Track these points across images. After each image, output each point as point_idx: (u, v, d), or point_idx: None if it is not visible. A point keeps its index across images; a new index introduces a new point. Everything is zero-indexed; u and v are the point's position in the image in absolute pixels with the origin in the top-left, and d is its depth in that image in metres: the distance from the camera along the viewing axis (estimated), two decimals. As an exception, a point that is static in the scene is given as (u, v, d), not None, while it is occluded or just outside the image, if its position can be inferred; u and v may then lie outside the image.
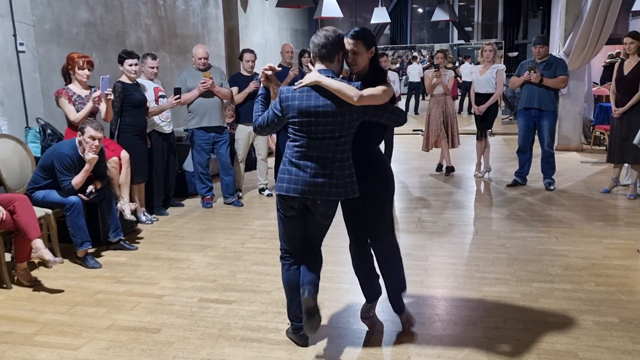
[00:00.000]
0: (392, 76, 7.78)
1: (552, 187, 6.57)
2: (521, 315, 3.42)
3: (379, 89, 2.84)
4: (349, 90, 2.75)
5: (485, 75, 6.96)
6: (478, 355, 2.97)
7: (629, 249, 4.51)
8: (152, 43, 7.79)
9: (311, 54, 2.93)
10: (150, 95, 5.67)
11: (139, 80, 5.62)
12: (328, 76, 2.80)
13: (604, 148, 8.88)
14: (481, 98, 7.03)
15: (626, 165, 6.26)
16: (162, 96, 5.84)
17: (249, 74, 6.39)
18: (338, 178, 2.87)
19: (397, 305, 3.31)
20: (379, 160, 3.12)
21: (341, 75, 2.97)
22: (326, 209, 2.96)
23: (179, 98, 5.73)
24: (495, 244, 4.75)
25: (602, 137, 9.09)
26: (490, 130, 7.40)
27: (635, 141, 4.34)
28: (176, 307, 3.66)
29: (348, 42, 2.89)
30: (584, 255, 4.42)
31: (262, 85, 3.12)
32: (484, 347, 3.05)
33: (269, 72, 3.08)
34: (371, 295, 3.44)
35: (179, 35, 8.56)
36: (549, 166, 6.64)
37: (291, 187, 2.88)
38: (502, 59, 14.18)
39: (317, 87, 2.81)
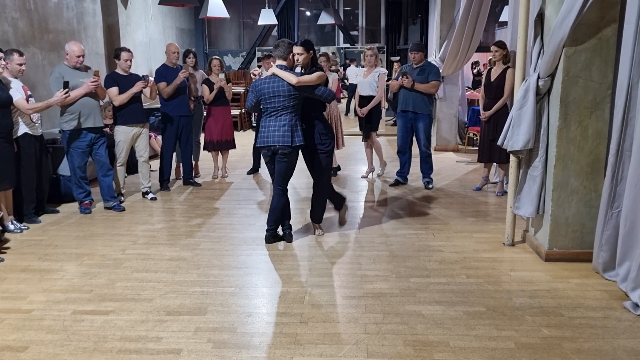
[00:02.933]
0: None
1: (430, 186, 6.94)
2: (399, 309, 3.57)
3: (312, 75, 4.57)
4: (290, 77, 4.51)
5: (367, 78, 7.20)
6: (358, 352, 3.06)
7: (496, 242, 4.87)
8: (20, 38, 7.23)
9: (274, 55, 4.69)
10: (19, 93, 5.26)
11: (3, 77, 5.18)
12: (282, 69, 4.57)
13: (477, 148, 9.53)
14: (364, 100, 7.27)
15: (495, 164, 6.76)
16: (30, 96, 5.43)
17: (125, 74, 6.13)
18: (284, 131, 4.54)
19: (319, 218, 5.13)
20: (325, 124, 4.87)
21: (302, 69, 4.69)
22: (282, 152, 4.58)
23: (68, 93, 5.37)
24: (377, 242, 4.93)
25: (475, 138, 9.74)
26: (375, 132, 7.65)
27: (499, 142, 4.69)
28: (46, 322, 3.42)
29: (295, 48, 4.63)
30: (457, 249, 4.71)
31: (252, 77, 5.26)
32: (364, 343, 3.15)
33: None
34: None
35: (52, 30, 8.02)
36: (427, 166, 7.01)
37: (261, 140, 4.62)
38: (385, 63, 14.78)
39: (275, 76, 4.55)
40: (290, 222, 5.00)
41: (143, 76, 6.17)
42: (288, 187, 4.86)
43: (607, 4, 3.99)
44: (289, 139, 4.53)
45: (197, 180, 7.42)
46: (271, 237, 4.85)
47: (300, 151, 4.78)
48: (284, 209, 4.88)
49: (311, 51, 4.70)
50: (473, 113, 9.74)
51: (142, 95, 6.26)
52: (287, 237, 4.92)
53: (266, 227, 4.89)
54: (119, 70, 6.15)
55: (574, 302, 3.66)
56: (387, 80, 7.39)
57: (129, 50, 6.18)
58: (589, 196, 4.29)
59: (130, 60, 6.14)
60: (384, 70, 7.36)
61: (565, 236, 4.36)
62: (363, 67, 7.69)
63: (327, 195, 5.07)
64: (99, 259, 4.57)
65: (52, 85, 5.57)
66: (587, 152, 4.24)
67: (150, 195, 6.53)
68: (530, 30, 4.45)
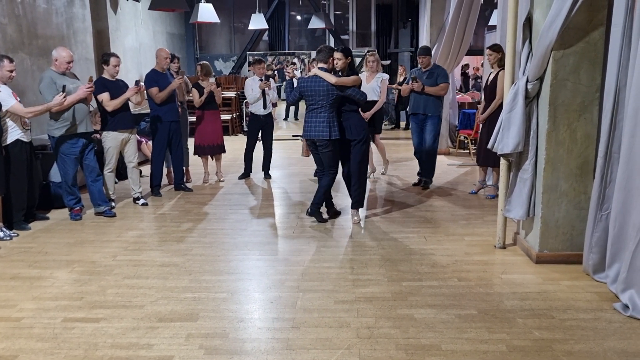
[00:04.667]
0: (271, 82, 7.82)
1: (428, 186, 7.12)
2: (391, 313, 3.58)
3: (349, 78, 5.30)
4: (330, 77, 5.23)
5: (370, 84, 7.26)
6: (350, 356, 3.05)
7: (487, 245, 4.89)
8: (8, 44, 7.19)
9: (316, 58, 5.52)
10: (12, 99, 5.24)
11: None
12: (323, 70, 5.30)
13: (468, 151, 9.58)
14: (367, 105, 7.31)
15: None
16: (19, 102, 5.40)
17: (113, 79, 6.11)
18: (323, 127, 5.30)
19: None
20: (359, 119, 5.52)
21: (340, 72, 5.38)
22: (321, 144, 5.39)
23: (65, 97, 5.38)
24: (370, 246, 4.93)
25: (465, 141, 9.79)
26: (379, 134, 7.74)
27: (490, 145, 4.71)
28: (36, 330, 3.40)
29: (336, 54, 5.37)
30: (449, 252, 4.73)
31: (288, 77, 5.89)
32: (357, 347, 3.15)
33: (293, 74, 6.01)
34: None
35: (41, 36, 7.98)
36: (426, 165, 7.11)
37: (305, 133, 5.47)
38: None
39: (317, 76, 5.30)
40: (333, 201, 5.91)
41: (136, 81, 6.17)
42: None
43: (595, 8, 4.03)
44: (326, 133, 5.29)
45: (188, 185, 7.40)
46: (317, 212, 5.67)
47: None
48: (329, 190, 5.73)
49: (349, 57, 5.42)
50: (464, 116, 9.78)
51: (128, 100, 6.24)
52: (335, 214, 5.87)
53: (312, 202, 5.69)
54: (106, 76, 6.13)
55: (565, 304, 3.68)
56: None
57: (117, 56, 6.16)
58: (578, 198, 4.32)
59: (119, 66, 6.13)
60: (386, 76, 7.45)
61: (555, 238, 4.39)
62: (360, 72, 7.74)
63: (364, 180, 5.65)
64: (90, 265, 4.54)
65: (44, 90, 5.53)
66: (576, 154, 4.26)
67: (142, 201, 6.50)
68: (519, 33, 4.48)
